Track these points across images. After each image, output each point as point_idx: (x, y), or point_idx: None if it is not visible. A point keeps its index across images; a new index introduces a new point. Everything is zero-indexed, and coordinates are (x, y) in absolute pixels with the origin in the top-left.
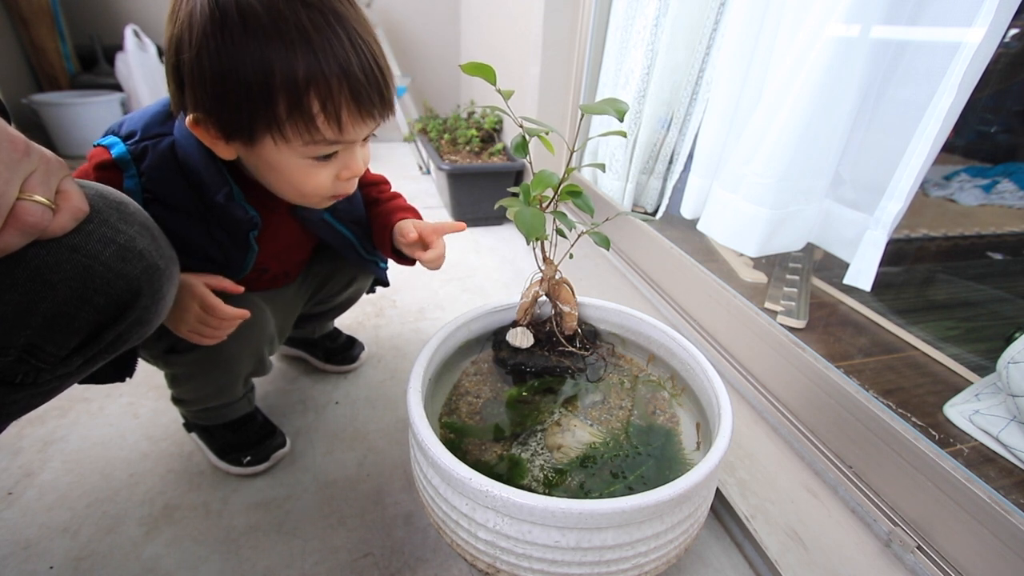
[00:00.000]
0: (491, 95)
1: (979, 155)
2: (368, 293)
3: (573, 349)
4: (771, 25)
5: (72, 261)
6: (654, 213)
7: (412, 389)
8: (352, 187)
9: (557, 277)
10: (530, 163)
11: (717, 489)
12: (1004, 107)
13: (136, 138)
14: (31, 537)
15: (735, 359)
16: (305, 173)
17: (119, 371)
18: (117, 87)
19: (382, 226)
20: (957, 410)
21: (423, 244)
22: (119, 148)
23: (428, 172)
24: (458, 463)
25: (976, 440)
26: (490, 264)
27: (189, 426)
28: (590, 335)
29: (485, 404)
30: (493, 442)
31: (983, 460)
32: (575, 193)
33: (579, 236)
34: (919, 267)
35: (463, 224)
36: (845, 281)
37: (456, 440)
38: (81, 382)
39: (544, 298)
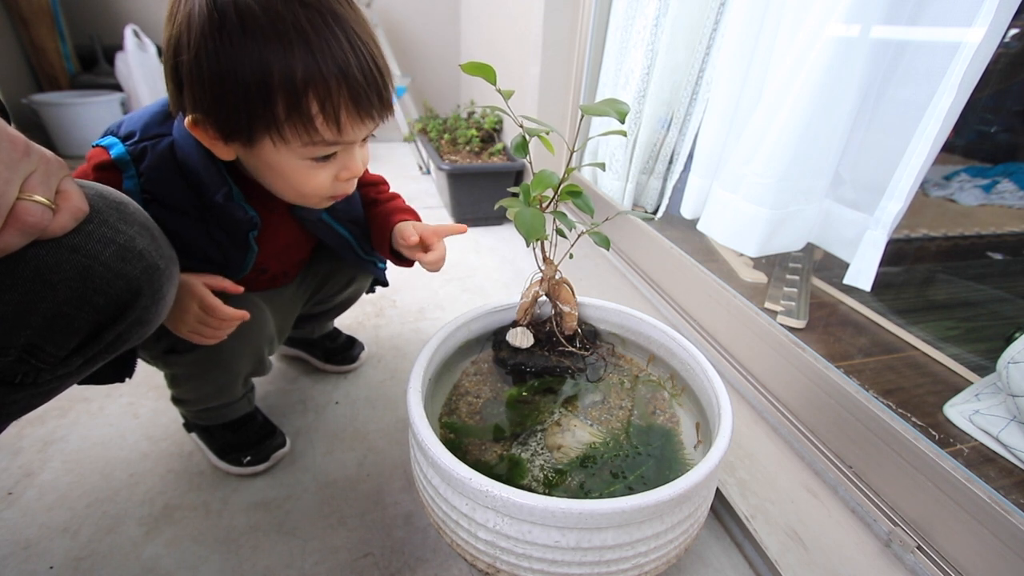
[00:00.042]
0: (491, 95)
1: (979, 155)
2: (368, 293)
3: (573, 349)
4: (771, 25)
5: (72, 261)
6: (654, 213)
7: (412, 389)
8: (351, 187)
9: (557, 277)
10: (530, 163)
11: (717, 489)
12: (1004, 107)
13: (135, 139)
14: (31, 537)
15: (735, 359)
16: (304, 174)
17: (119, 372)
18: (117, 87)
19: (381, 227)
20: (957, 410)
21: (423, 246)
22: (118, 149)
23: (428, 172)
24: (458, 463)
25: (976, 440)
26: (490, 264)
27: (189, 426)
28: (590, 335)
29: (485, 404)
30: (493, 442)
31: (983, 460)
32: (575, 193)
33: (579, 236)
34: (919, 267)
35: (464, 226)
36: (845, 281)
37: (456, 440)
38: (81, 382)
39: (544, 298)
